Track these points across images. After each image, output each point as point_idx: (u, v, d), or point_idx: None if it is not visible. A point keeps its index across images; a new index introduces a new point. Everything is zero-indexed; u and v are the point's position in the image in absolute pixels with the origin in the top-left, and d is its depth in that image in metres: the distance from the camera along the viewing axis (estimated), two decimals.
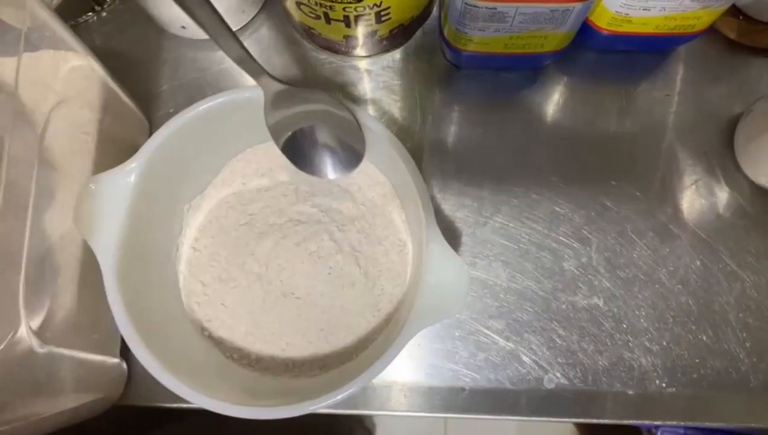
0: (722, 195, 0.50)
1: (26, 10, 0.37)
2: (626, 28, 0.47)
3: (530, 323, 0.48)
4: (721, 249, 0.49)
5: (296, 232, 0.45)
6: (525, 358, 0.48)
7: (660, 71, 0.53)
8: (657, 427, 1.01)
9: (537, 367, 0.48)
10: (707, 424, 0.47)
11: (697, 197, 0.50)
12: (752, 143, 0.48)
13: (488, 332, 0.48)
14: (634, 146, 0.52)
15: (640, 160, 0.51)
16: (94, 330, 0.43)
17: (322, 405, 0.38)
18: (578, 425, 1.19)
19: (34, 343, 0.35)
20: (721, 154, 0.51)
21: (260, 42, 0.55)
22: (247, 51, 0.38)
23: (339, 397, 0.38)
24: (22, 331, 0.34)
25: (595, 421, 0.47)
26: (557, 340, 0.48)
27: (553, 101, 0.53)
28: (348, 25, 0.47)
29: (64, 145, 0.40)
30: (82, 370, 0.41)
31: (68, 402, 0.40)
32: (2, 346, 0.33)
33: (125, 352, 0.47)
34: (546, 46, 0.47)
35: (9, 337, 0.33)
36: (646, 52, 0.53)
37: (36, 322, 0.36)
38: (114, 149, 0.46)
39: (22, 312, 0.34)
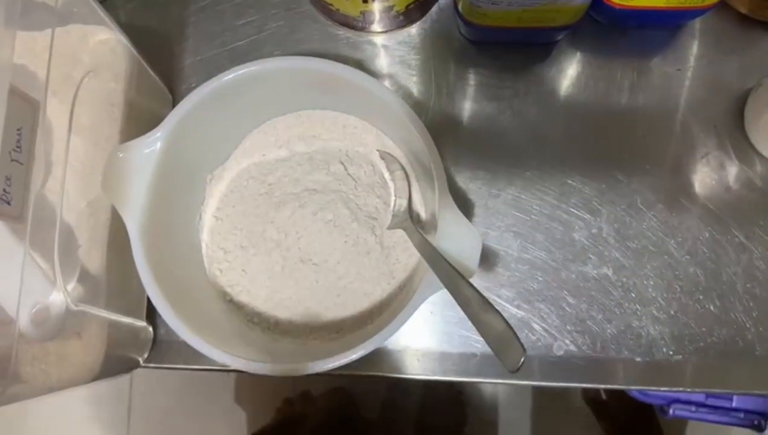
0: (732, 168, 0.51)
1: None
2: (638, 3, 0.47)
3: (541, 292, 0.50)
4: (730, 221, 0.50)
5: (313, 201, 0.47)
6: (535, 326, 0.49)
7: (672, 46, 0.54)
8: (669, 404, 1.02)
9: (547, 335, 0.49)
10: (712, 391, 0.48)
11: (707, 170, 0.51)
12: (761, 117, 0.49)
13: (500, 301, 0.50)
14: (646, 120, 0.52)
15: (651, 134, 0.52)
16: (122, 293, 0.45)
17: (337, 364, 0.40)
18: (593, 406, 1.20)
19: (69, 301, 0.37)
20: (732, 128, 0.52)
21: (276, 19, 0.56)
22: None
23: (354, 356, 0.40)
24: (59, 291, 0.36)
25: (603, 386, 0.49)
26: (567, 308, 0.49)
27: (566, 76, 0.54)
28: (365, 1, 0.49)
29: (92, 115, 0.42)
30: (111, 330, 0.43)
31: (98, 359, 0.42)
32: (41, 305, 0.35)
33: (151, 317, 0.49)
34: (559, 20, 0.48)
35: (48, 295, 0.35)
36: (658, 26, 0.54)
37: (69, 283, 0.38)
38: (139, 120, 0.48)
39: (58, 273, 0.37)
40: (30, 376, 0.36)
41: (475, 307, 0.36)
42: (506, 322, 0.34)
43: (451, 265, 0.39)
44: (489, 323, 0.35)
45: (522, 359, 0.32)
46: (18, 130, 0.30)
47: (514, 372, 0.32)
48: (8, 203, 0.29)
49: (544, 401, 1.24)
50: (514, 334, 0.33)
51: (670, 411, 1.01)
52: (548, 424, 1.25)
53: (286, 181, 0.48)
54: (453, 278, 0.38)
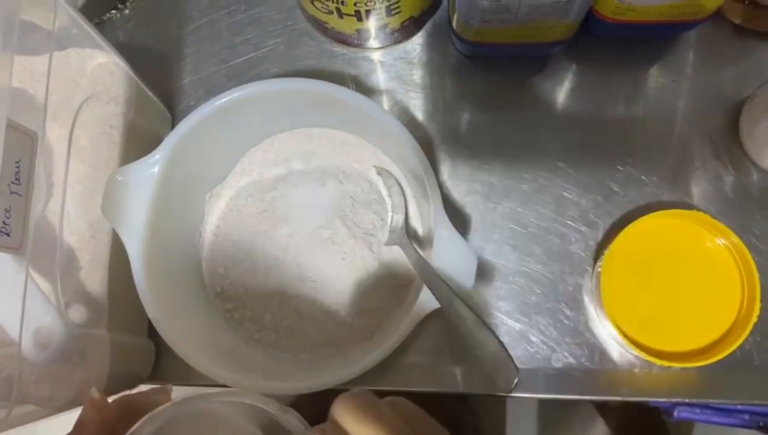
0: (728, 178, 0.51)
1: (55, 11, 0.39)
2: (631, 17, 0.48)
3: (539, 305, 0.50)
4: None
5: (310, 219, 0.48)
6: (533, 338, 0.49)
7: (667, 57, 0.54)
8: (674, 406, 1.02)
9: (545, 347, 0.49)
10: (711, 401, 0.48)
11: (703, 180, 0.51)
12: (756, 127, 0.49)
13: (498, 313, 0.50)
14: (641, 131, 0.53)
15: (647, 145, 0.52)
16: (124, 311, 0.45)
17: (339, 381, 0.41)
18: (602, 412, 1.20)
19: (70, 325, 0.37)
20: (727, 139, 0.52)
21: (274, 37, 0.56)
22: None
23: (355, 373, 0.41)
24: (60, 314, 0.37)
25: (602, 398, 0.49)
26: (565, 320, 0.50)
27: (562, 88, 0.54)
28: (360, 19, 0.49)
29: (91, 139, 0.43)
30: (114, 348, 0.44)
31: (102, 378, 0.43)
32: (43, 329, 0.35)
33: (153, 333, 0.49)
34: (552, 35, 0.48)
35: (50, 319, 0.35)
36: (653, 38, 0.54)
37: (72, 305, 0.39)
38: (138, 141, 0.48)
39: (60, 296, 0.37)
40: (35, 398, 0.37)
41: (470, 325, 0.37)
42: (501, 342, 0.34)
43: (446, 283, 0.39)
44: (484, 342, 0.35)
45: (516, 380, 0.32)
46: (16, 162, 0.30)
47: (508, 392, 0.32)
48: (8, 235, 0.30)
49: (547, 400, 1.24)
50: (508, 354, 0.34)
51: (675, 413, 1.01)
52: (549, 425, 1.24)
53: (284, 198, 0.49)
54: (448, 296, 0.39)
